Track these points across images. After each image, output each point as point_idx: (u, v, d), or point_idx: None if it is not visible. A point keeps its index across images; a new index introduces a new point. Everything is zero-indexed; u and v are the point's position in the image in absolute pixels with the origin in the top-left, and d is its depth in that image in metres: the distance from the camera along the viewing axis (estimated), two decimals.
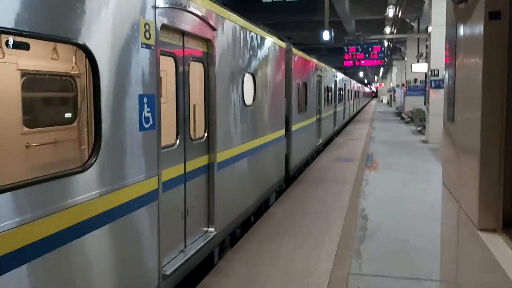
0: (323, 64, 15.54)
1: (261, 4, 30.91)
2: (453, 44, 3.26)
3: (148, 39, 3.80)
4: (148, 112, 3.82)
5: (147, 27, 3.78)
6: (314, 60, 13.53)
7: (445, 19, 3.62)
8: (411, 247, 6.02)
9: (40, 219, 2.69)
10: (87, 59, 3.17)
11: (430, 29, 17.78)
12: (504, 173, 2.42)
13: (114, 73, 3.38)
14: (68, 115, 5.05)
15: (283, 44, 9.26)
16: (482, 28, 2.42)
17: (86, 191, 3.09)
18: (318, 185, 9.94)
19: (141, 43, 3.71)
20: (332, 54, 36.56)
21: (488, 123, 2.42)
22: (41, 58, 4.54)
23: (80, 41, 3.01)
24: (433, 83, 17.52)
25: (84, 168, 3.09)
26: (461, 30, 2.99)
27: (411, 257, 5.66)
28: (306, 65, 12.14)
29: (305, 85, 11.94)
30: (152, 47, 3.87)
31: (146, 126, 3.80)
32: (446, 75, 3.57)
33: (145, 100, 3.77)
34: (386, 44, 29.31)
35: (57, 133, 4.81)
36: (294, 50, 10.26)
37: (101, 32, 3.22)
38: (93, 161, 3.17)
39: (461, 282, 2.95)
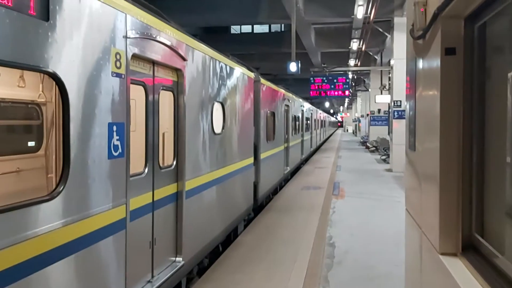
0: (290, 94, 15.85)
1: (230, 35, 31.52)
2: (413, 77, 3.44)
3: (119, 68, 3.84)
4: (117, 140, 3.81)
5: (118, 57, 3.82)
6: (282, 90, 13.80)
7: (406, 53, 3.82)
8: (377, 273, 6.10)
9: (4, 249, 2.63)
10: (57, 87, 3.17)
11: (392, 62, 18.49)
12: (462, 199, 2.55)
13: (84, 101, 3.38)
14: (33, 143, 4.96)
15: (252, 74, 9.44)
16: (439, 62, 2.59)
17: (53, 220, 3.04)
18: (286, 213, 10.00)
19: (112, 72, 3.74)
20: (299, 85, 37.32)
21: (446, 152, 2.56)
22: (7, 85, 4.49)
23: (51, 69, 3.02)
24: (396, 113, 18.14)
25: (51, 196, 3.05)
26: (420, 64, 3.16)
27: (378, 283, 5.74)
28: (274, 95, 12.36)
29: (273, 114, 12.13)
30: (123, 76, 3.90)
31: (115, 154, 3.79)
32: (407, 106, 3.74)
33: (114, 128, 3.77)
34: (350, 75, 30.16)
35: (21, 161, 4.72)
36: (262, 80, 10.46)
37: (71, 61, 3.24)
38: (60, 189, 3.13)
39: None
